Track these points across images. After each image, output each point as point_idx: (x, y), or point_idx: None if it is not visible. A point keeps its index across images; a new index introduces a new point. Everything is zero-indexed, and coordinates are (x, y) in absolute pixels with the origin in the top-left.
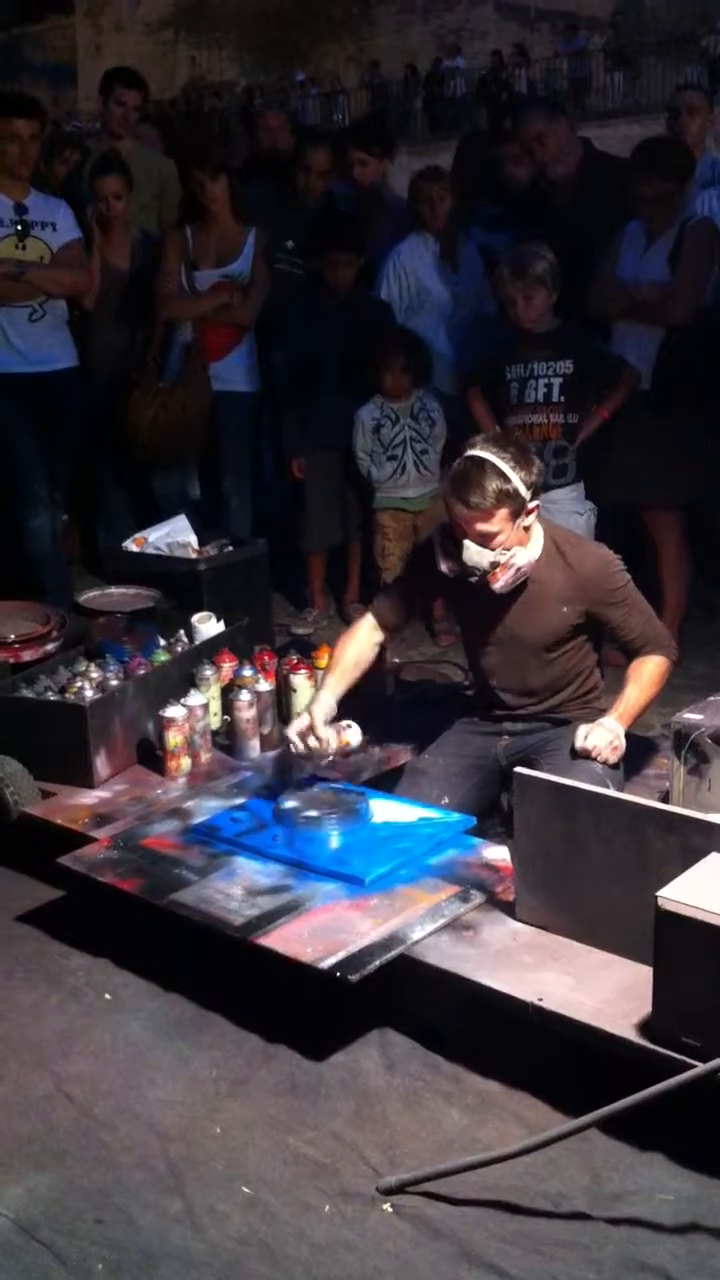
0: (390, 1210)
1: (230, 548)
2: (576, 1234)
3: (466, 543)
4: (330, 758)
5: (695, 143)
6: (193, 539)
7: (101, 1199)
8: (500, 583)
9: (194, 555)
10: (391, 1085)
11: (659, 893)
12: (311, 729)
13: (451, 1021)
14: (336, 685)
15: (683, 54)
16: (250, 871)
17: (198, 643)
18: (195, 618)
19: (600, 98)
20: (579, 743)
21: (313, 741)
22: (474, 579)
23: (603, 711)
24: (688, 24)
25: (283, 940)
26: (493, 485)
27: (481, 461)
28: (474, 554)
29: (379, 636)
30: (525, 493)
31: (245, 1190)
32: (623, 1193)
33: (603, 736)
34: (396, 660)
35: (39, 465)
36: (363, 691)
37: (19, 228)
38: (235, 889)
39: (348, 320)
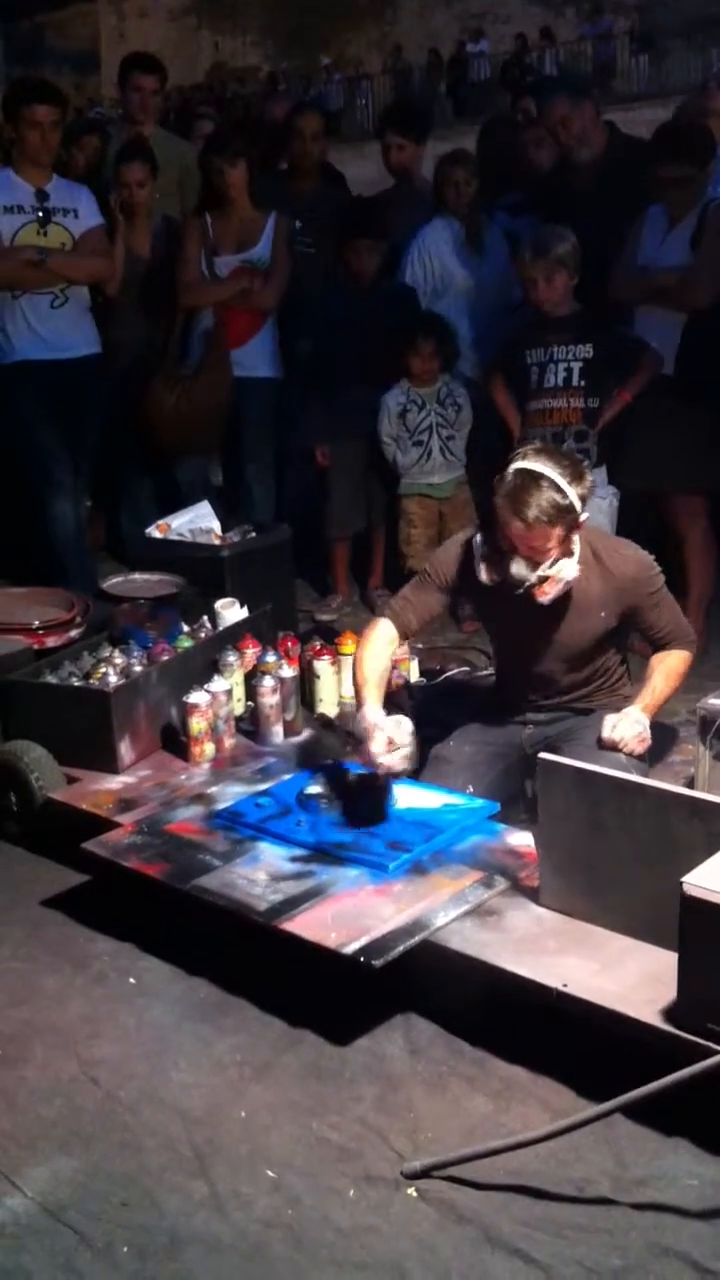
0: (414, 1194)
1: (253, 534)
2: (601, 1219)
3: (516, 557)
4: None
5: None
6: (215, 525)
7: (127, 1182)
8: (548, 597)
9: (217, 541)
10: (415, 1070)
11: (684, 879)
12: (391, 740)
13: (475, 1007)
14: (377, 692)
15: (708, 37)
16: (274, 857)
17: (221, 629)
18: (219, 604)
19: (625, 81)
20: (606, 734)
21: (404, 750)
22: (519, 591)
23: (627, 699)
24: (714, 7)
25: (306, 925)
26: (550, 500)
27: (537, 475)
28: (522, 568)
29: (396, 644)
30: (579, 506)
31: (270, 1174)
32: (647, 1178)
33: (630, 728)
34: (420, 646)
35: (62, 452)
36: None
37: (40, 214)
38: (259, 874)
39: (372, 307)
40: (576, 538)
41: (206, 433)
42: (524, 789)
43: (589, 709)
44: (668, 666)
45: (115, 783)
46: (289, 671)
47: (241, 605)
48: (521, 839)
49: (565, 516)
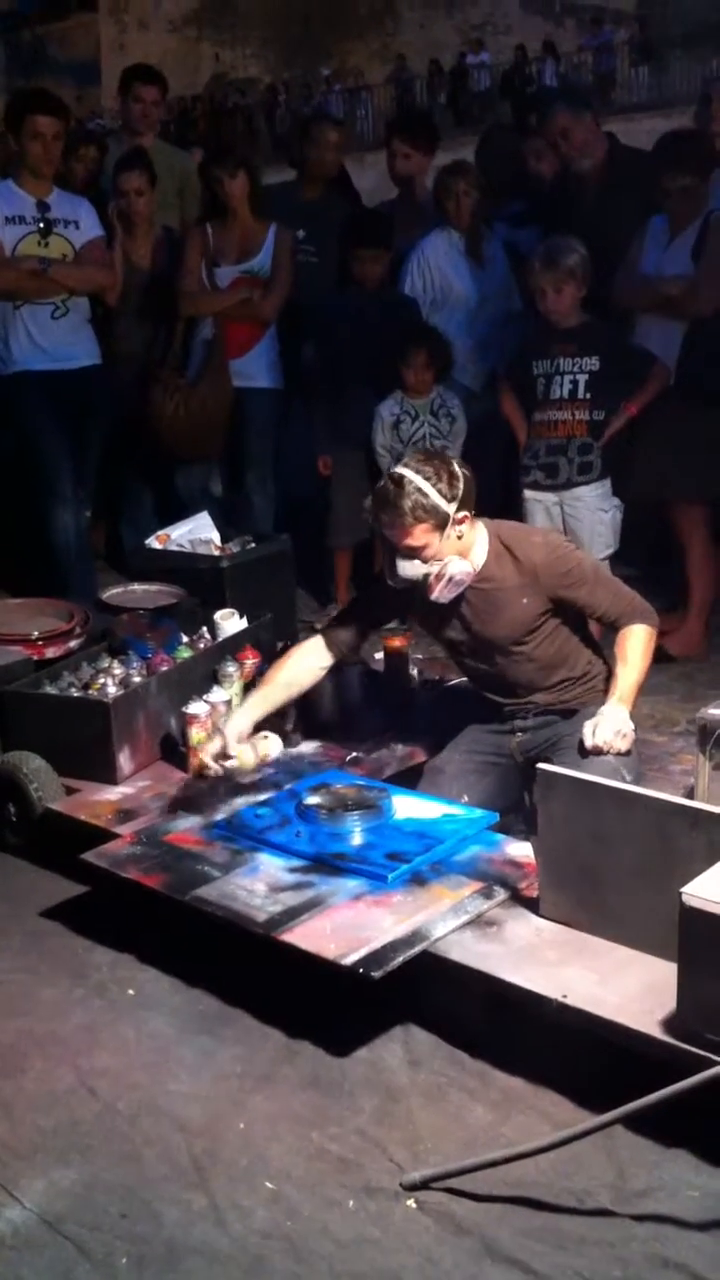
0: (414, 1206)
1: (253, 544)
2: (601, 1230)
3: (397, 558)
4: (252, 774)
5: None
6: (215, 536)
7: (126, 1193)
8: (436, 593)
9: (217, 552)
10: (415, 1081)
11: (683, 889)
12: (224, 751)
13: (475, 1018)
14: (257, 707)
15: (709, 47)
16: (273, 867)
17: (220, 639)
18: (218, 614)
19: (626, 92)
20: (588, 741)
21: (231, 762)
22: (415, 591)
23: (602, 687)
24: (715, 16)
25: (305, 936)
26: (408, 502)
27: (399, 478)
28: (405, 567)
29: (326, 660)
30: (446, 506)
31: (269, 1185)
32: (647, 1189)
33: (608, 729)
34: (421, 656)
35: (63, 462)
36: (387, 687)
37: (42, 225)
38: (258, 885)
39: (375, 316)
40: (481, 534)
41: (206, 442)
42: (522, 799)
43: (571, 709)
44: (627, 649)
45: (114, 793)
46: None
47: (241, 616)
48: (521, 849)
49: (428, 515)
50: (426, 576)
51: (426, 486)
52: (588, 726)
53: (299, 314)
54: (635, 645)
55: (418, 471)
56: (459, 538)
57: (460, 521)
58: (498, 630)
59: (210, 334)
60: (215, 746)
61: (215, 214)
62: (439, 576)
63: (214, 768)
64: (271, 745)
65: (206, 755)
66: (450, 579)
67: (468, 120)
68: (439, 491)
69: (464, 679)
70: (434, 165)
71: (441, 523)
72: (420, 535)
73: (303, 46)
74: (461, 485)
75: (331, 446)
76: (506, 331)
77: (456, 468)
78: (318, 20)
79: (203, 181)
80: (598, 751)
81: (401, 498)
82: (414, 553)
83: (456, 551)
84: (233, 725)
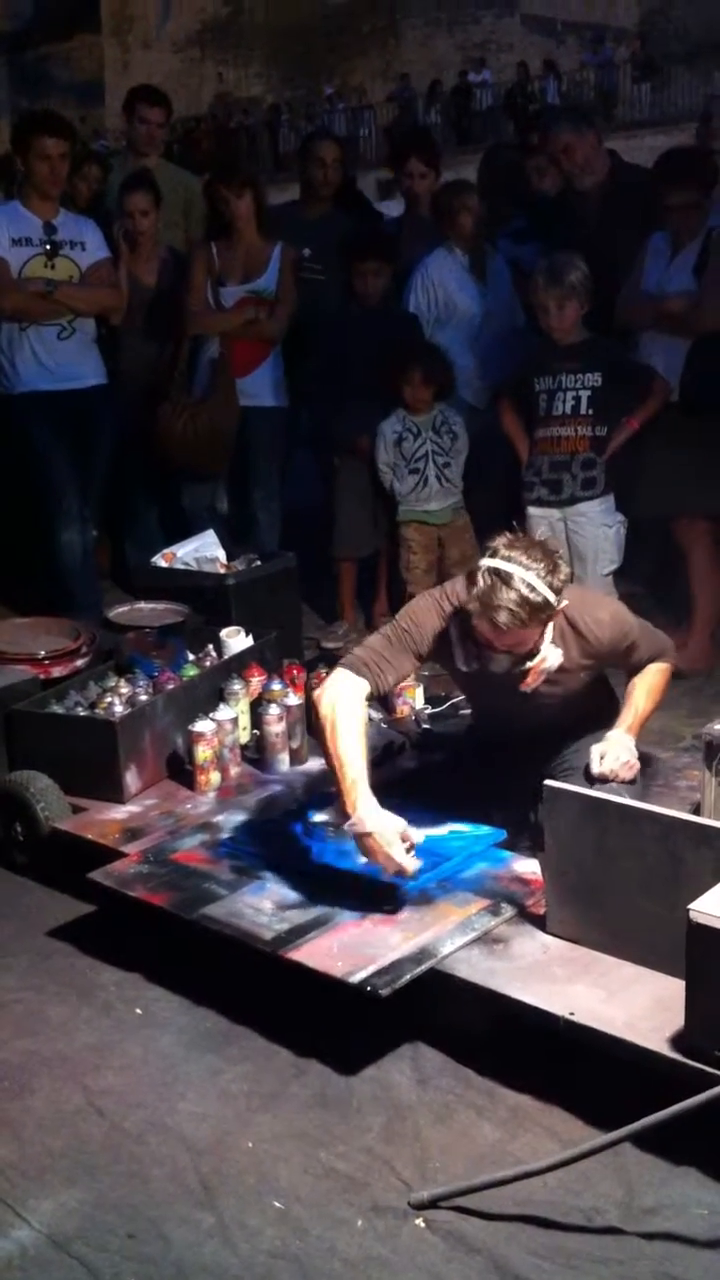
0: (422, 1225)
1: (259, 562)
2: (610, 1249)
3: (497, 655)
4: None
5: None
6: (221, 554)
7: (133, 1213)
8: (532, 686)
9: (222, 570)
10: (423, 1099)
11: (690, 906)
12: (405, 836)
13: (483, 1035)
14: (367, 787)
15: (711, 63)
16: (280, 885)
17: (226, 657)
18: (224, 632)
19: (628, 109)
20: (595, 769)
21: (415, 837)
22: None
23: (613, 721)
24: (716, 34)
25: (312, 955)
26: (522, 600)
27: (509, 577)
28: (504, 663)
29: (368, 703)
30: (554, 600)
31: (276, 1205)
32: (656, 1207)
33: (616, 758)
34: (425, 673)
35: (70, 481)
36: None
37: (49, 247)
38: (265, 903)
39: (378, 332)
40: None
41: (212, 460)
42: (529, 817)
43: (576, 736)
44: (649, 683)
45: (121, 812)
46: (295, 699)
47: (247, 633)
48: (528, 866)
49: (539, 614)
50: (525, 671)
51: (538, 583)
52: (595, 751)
53: (304, 330)
54: (654, 680)
55: (526, 566)
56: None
57: (559, 613)
58: (551, 700)
59: (216, 353)
60: (399, 847)
61: (220, 233)
62: (536, 670)
63: (406, 864)
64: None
65: (399, 860)
66: (547, 671)
67: (470, 138)
68: (549, 584)
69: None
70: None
71: (549, 618)
72: (526, 634)
73: (305, 66)
74: (562, 576)
75: (339, 453)
76: (510, 348)
77: (556, 555)
78: (320, 39)
79: (208, 201)
80: (604, 780)
81: (514, 598)
82: (514, 649)
83: (545, 639)
84: (374, 816)
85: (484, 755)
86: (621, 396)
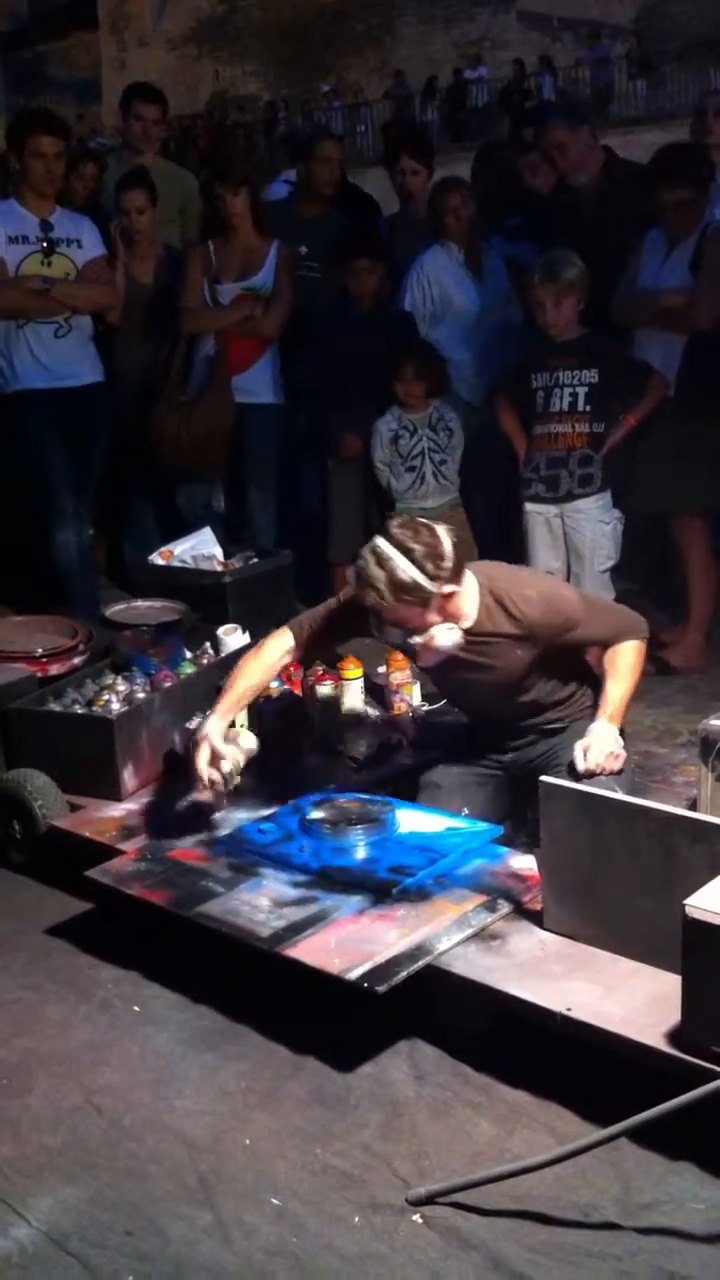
0: (420, 1221)
1: (255, 560)
2: (607, 1244)
3: (383, 624)
4: (239, 776)
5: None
6: (218, 551)
7: (131, 1210)
8: (425, 662)
9: (219, 568)
10: (420, 1096)
11: (687, 901)
12: (216, 754)
13: (480, 1032)
14: (230, 711)
15: (706, 60)
16: (277, 883)
17: (224, 655)
18: (221, 630)
19: (623, 105)
20: (580, 765)
21: (225, 765)
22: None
23: (595, 706)
24: (711, 30)
25: (309, 951)
26: (392, 583)
27: (384, 557)
28: (393, 635)
29: (290, 658)
30: (431, 586)
31: (274, 1202)
32: (654, 1202)
33: (600, 750)
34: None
35: (66, 480)
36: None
37: (45, 245)
38: (262, 900)
39: (373, 330)
40: (470, 592)
41: (209, 458)
42: (525, 813)
43: (561, 729)
44: (618, 665)
45: (118, 810)
46: (291, 697)
47: (244, 631)
48: (524, 862)
49: (407, 594)
50: (413, 645)
51: (410, 569)
52: (578, 749)
53: (300, 328)
54: (625, 661)
55: (403, 550)
56: (446, 604)
57: (450, 596)
58: (493, 677)
59: (212, 351)
60: (205, 756)
61: (216, 231)
62: (425, 647)
63: (213, 777)
64: (248, 740)
65: (202, 766)
66: (438, 650)
67: (465, 135)
68: (425, 572)
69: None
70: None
71: (424, 601)
72: (404, 612)
73: (302, 63)
74: (449, 564)
75: (333, 456)
76: (506, 344)
77: (445, 544)
78: (316, 37)
79: (204, 198)
80: (590, 775)
81: (384, 578)
82: (399, 624)
83: (445, 618)
84: (213, 726)
85: (477, 749)
86: (619, 393)
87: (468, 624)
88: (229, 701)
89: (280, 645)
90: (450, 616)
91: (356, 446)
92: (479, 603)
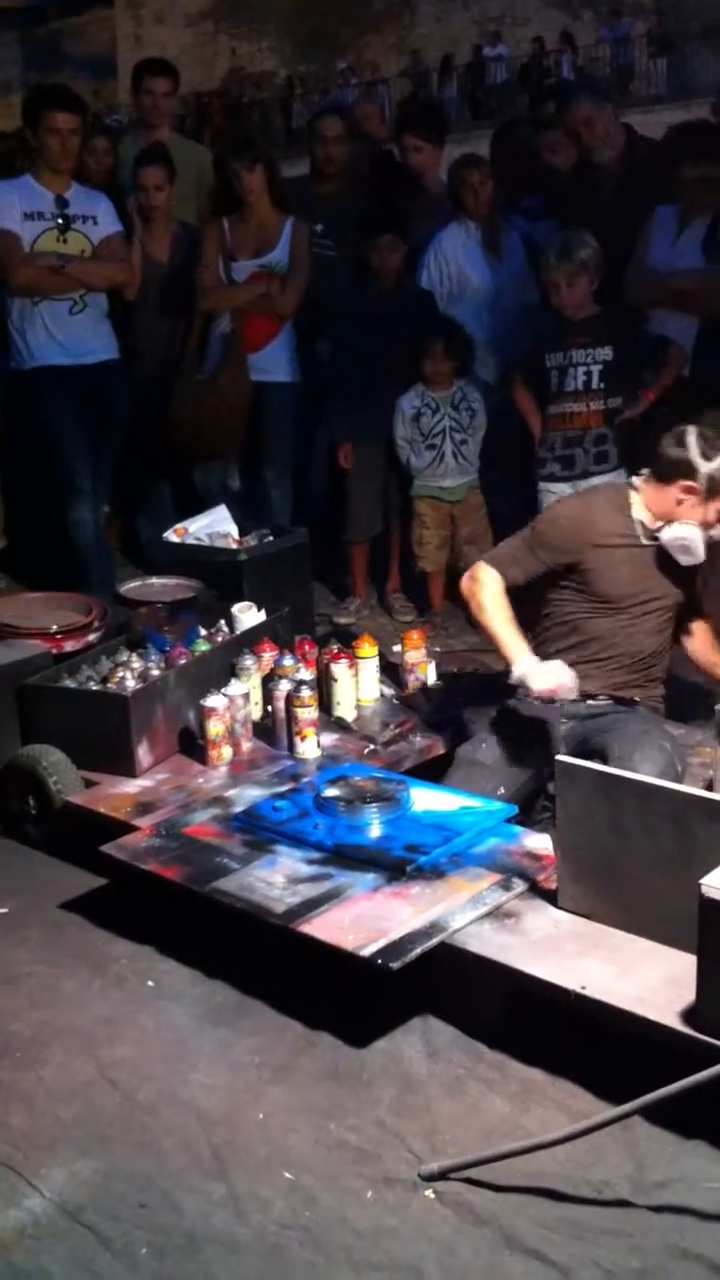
0: (432, 1197)
1: (271, 537)
2: (620, 1221)
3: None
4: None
5: None
6: (233, 529)
7: (145, 1183)
8: (693, 560)
9: (235, 545)
10: (434, 1072)
11: (702, 881)
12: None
13: (494, 1009)
14: (523, 641)
15: None
16: (292, 859)
17: (238, 632)
18: (236, 607)
19: (644, 84)
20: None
21: (565, 676)
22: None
23: (663, 692)
24: None
25: (324, 928)
26: None
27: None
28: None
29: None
30: None
31: (288, 1176)
32: (666, 1180)
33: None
34: (437, 649)
35: (82, 457)
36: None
37: (60, 221)
38: (276, 877)
39: (393, 309)
40: None
41: (225, 436)
42: (546, 788)
43: (632, 699)
44: None
45: (133, 786)
46: (306, 675)
47: (259, 609)
48: (539, 841)
49: None
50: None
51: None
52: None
53: (316, 308)
54: None
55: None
56: None
57: None
58: (670, 589)
59: (228, 328)
60: (547, 678)
61: (231, 207)
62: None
63: (562, 682)
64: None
65: (552, 683)
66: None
67: (485, 113)
68: None
69: (483, 667)
70: (449, 157)
71: None
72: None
73: (319, 40)
74: None
75: (350, 438)
76: (523, 324)
77: None
78: (334, 14)
79: (219, 175)
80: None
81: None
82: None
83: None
84: (529, 663)
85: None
86: (635, 369)
87: None
88: (513, 636)
89: (495, 581)
90: None
91: (352, 460)
92: None
